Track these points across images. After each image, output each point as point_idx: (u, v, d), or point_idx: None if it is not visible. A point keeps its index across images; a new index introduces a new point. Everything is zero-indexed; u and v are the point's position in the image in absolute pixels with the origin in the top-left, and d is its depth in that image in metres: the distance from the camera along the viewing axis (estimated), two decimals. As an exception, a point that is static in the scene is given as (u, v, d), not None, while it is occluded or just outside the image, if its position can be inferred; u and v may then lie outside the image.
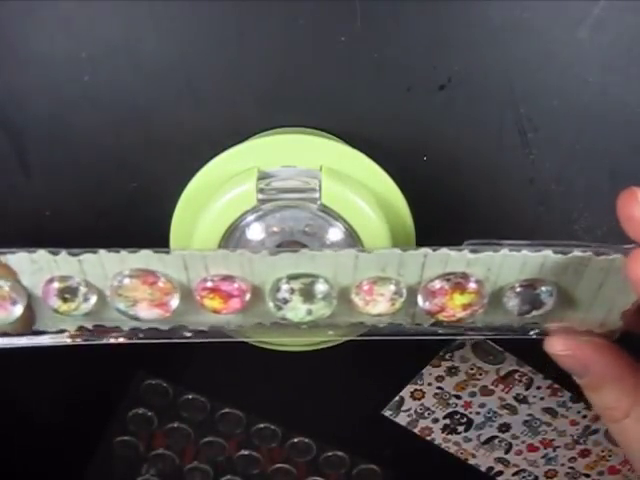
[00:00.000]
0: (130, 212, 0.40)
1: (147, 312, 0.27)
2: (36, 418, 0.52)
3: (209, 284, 0.27)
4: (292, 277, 0.27)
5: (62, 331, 0.29)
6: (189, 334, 0.29)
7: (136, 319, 0.27)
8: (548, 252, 0.27)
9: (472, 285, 0.27)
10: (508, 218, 0.39)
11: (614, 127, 0.36)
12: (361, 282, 0.27)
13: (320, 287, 0.27)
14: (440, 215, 0.39)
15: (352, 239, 0.34)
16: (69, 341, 0.29)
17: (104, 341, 0.29)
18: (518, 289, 0.27)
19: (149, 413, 0.54)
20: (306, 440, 0.54)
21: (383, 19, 0.34)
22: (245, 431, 0.54)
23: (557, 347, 0.28)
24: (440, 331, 0.29)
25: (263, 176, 0.33)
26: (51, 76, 0.36)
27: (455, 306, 0.27)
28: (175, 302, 0.27)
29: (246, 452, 0.55)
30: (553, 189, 0.38)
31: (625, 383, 0.28)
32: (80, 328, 0.29)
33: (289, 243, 0.35)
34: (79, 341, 0.29)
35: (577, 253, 0.26)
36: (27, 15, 0.34)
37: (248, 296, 0.27)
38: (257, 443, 0.54)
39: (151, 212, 0.38)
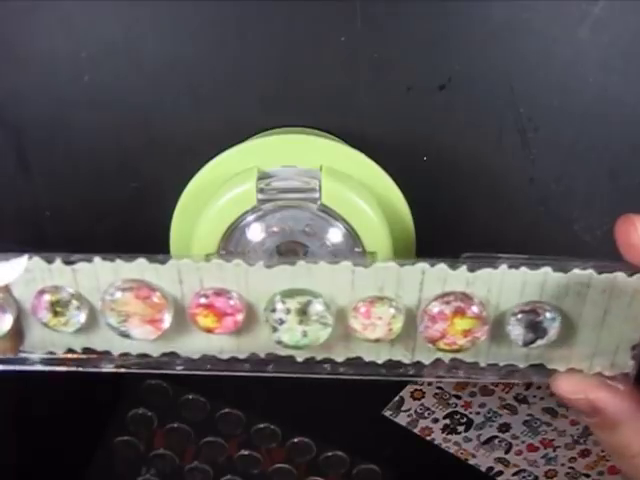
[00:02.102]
0: (130, 212, 0.40)
1: (138, 329, 0.26)
2: (36, 418, 0.52)
3: (203, 300, 0.26)
4: (288, 295, 0.26)
5: (51, 354, 0.28)
6: (180, 367, 0.28)
7: (127, 336, 0.27)
8: (548, 269, 0.26)
9: (473, 309, 0.26)
10: (508, 218, 0.39)
11: (614, 127, 0.36)
12: (358, 304, 0.26)
13: (316, 307, 0.26)
14: (440, 215, 0.39)
15: (352, 239, 0.34)
16: (58, 368, 0.28)
17: (94, 369, 0.28)
18: (520, 315, 0.26)
19: (149, 413, 0.54)
20: (306, 440, 0.54)
21: (383, 19, 0.34)
22: (245, 431, 0.54)
23: (566, 389, 0.27)
24: (441, 372, 0.28)
25: (263, 176, 0.33)
26: (51, 76, 0.36)
27: (456, 332, 0.26)
28: (168, 319, 0.26)
29: (246, 452, 0.55)
30: (553, 189, 0.38)
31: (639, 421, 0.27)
32: (69, 351, 0.28)
33: (289, 243, 0.35)
34: (71, 367, 0.28)
35: (577, 271, 0.26)
36: (27, 15, 0.34)
37: (242, 316, 0.26)
38: (257, 443, 0.54)
39: (151, 212, 0.38)
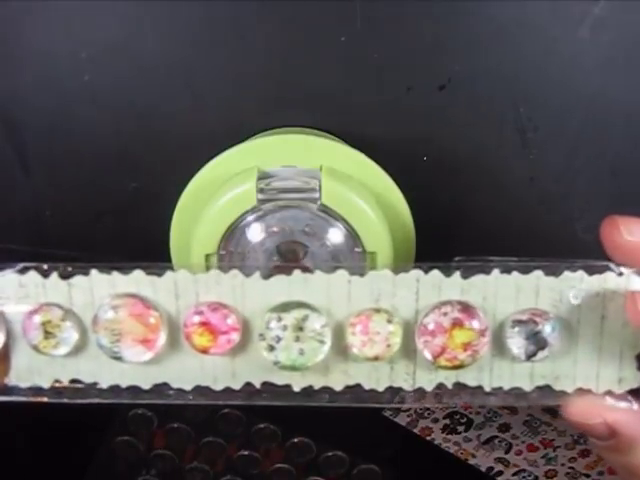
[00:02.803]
0: (130, 212, 0.40)
1: (131, 350, 0.26)
2: (36, 418, 0.52)
3: (198, 318, 0.26)
4: (284, 310, 0.26)
5: (38, 389, 0.27)
6: (172, 392, 0.27)
7: (118, 358, 0.26)
8: (539, 273, 0.26)
9: (471, 321, 0.26)
10: (508, 218, 0.39)
11: (614, 126, 0.36)
12: (355, 320, 0.26)
13: (313, 323, 0.26)
14: (440, 215, 0.39)
15: (352, 239, 0.34)
16: (45, 399, 0.28)
17: (81, 400, 0.28)
18: (517, 328, 0.26)
19: (149, 413, 0.54)
20: (306, 440, 0.54)
21: (383, 19, 0.34)
22: (245, 431, 0.54)
23: (581, 414, 0.26)
24: (445, 400, 0.27)
25: (263, 176, 0.33)
26: (51, 76, 0.36)
27: (456, 345, 0.26)
28: (162, 339, 0.26)
29: (246, 452, 0.54)
30: (553, 189, 0.38)
31: None
32: (56, 381, 0.27)
33: (289, 243, 0.35)
34: (55, 400, 0.28)
35: (568, 274, 0.26)
36: (27, 15, 0.34)
37: (237, 335, 0.26)
38: (257, 443, 0.54)
39: (151, 212, 0.38)
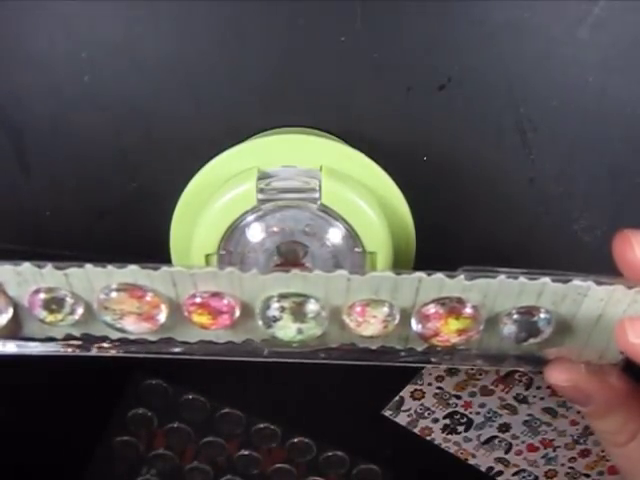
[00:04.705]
0: (130, 212, 0.40)
1: (134, 326, 0.27)
2: (36, 418, 0.52)
3: (198, 300, 0.26)
4: (282, 295, 0.26)
5: (51, 339, 0.29)
6: (178, 349, 0.29)
7: (123, 332, 0.27)
8: (546, 280, 0.26)
9: (468, 310, 0.26)
10: (508, 218, 0.39)
11: (614, 127, 0.36)
12: (353, 303, 0.26)
13: (311, 307, 0.26)
14: (440, 215, 0.39)
15: (352, 239, 0.34)
16: (61, 350, 0.29)
17: (94, 353, 0.29)
18: (515, 316, 0.26)
19: (149, 413, 0.54)
20: (306, 440, 0.54)
21: (383, 19, 0.34)
22: (245, 431, 0.54)
23: (559, 378, 0.28)
24: (433, 359, 0.29)
25: (263, 176, 0.33)
26: (51, 76, 0.36)
27: (450, 331, 0.26)
28: (163, 316, 0.27)
29: (246, 452, 0.55)
30: (553, 189, 0.38)
31: (630, 408, 0.27)
32: (68, 336, 0.28)
33: (289, 243, 0.35)
34: (69, 351, 0.29)
35: (576, 282, 0.25)
36: (27, 15, 0.34)
37: (237, 313, 0.27)
38: (257, 443, 0.54)
39: (151, 212, 0.38)
